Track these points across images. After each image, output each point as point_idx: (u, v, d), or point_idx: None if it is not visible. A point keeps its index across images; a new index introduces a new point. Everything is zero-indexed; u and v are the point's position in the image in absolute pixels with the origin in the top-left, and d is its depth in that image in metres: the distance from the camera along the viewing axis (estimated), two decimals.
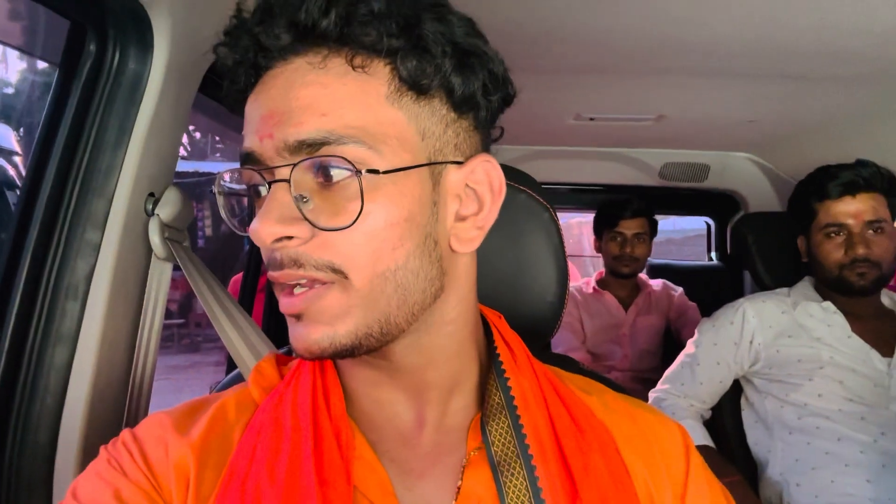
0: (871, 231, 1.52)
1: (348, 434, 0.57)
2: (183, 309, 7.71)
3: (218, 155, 9.23)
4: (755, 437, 1.64)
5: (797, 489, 1.47)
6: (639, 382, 2.42)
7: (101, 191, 0.92)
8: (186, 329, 8.05)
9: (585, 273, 2.90)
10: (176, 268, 1.02)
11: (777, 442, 1.55)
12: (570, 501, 0.56)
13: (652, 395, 1.71)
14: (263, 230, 0.50)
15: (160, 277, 0.99)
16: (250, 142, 0.53)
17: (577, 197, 3.05)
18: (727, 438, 1.72)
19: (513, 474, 0.56)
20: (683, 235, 7.51)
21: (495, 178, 0.58)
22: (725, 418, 1.74)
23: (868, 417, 1.45)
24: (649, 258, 2.69)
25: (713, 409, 1.71)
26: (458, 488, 0.58)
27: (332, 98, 0.51)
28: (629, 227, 2.48)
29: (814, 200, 1.59)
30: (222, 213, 0.59)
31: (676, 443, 0.65)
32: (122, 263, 0.93)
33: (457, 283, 0.59)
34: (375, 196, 0.51)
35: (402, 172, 0.52)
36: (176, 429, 0.58)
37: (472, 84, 0.55)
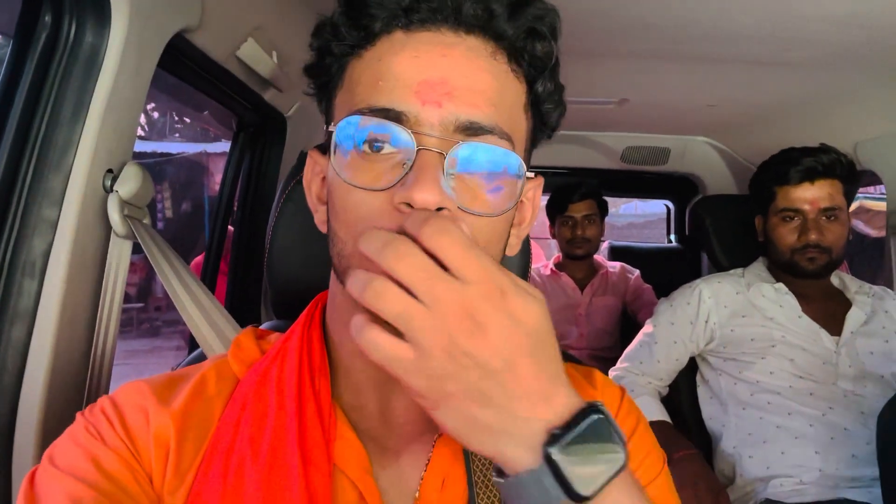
0: (824, 218, 1.58)
1: (331, 414, 0.58)
2: (142, 292, 7.56)
3: (177, 135, 9.02)
4: (710, 413, 1.70)
5: (750, 461, 1.53)
6: (595, 360, 2.47)
7: (57, 166, 0.90)
8: (146, 313, 7.90)
9: (550, 255, 2.93)
10: (135, 251, 1.00)
11: (731, 417, 1.61)
12: None
13: (612, 372, 1.75)
14: (432, 197, 0.48)
15: (120, 255, 0.98)
16: (406, 101, 0.51)
17: None
18: (683, 414, 1.78)
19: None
20: (644, 219, 7.64)
21: (538, 198, 0.65)
22: (681, 395, 1.79)
23: (817, 393, 1.51)
24: (611, 241, 2.73)
25: (670, 386, 1.76)
26: (427, 464, 0.59)
27: (500, 93, 0.54)
28: (579, 210, 2.53)
29: (773, 184, 1.63)
30: (340, 167, 0.53)
31: (614, 396, 0.69)
32: (80, 241, 0.91)
33: None
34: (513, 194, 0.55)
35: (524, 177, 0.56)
36: (156, 397, 0.58)
37: (562, 117, 0.61)
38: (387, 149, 0.51)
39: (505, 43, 0.54)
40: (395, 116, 0.51)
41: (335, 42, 0.56)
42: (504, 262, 0.89)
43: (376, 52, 0.54)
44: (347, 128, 0.53)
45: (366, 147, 0.52)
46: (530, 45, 0.55)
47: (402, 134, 0.51)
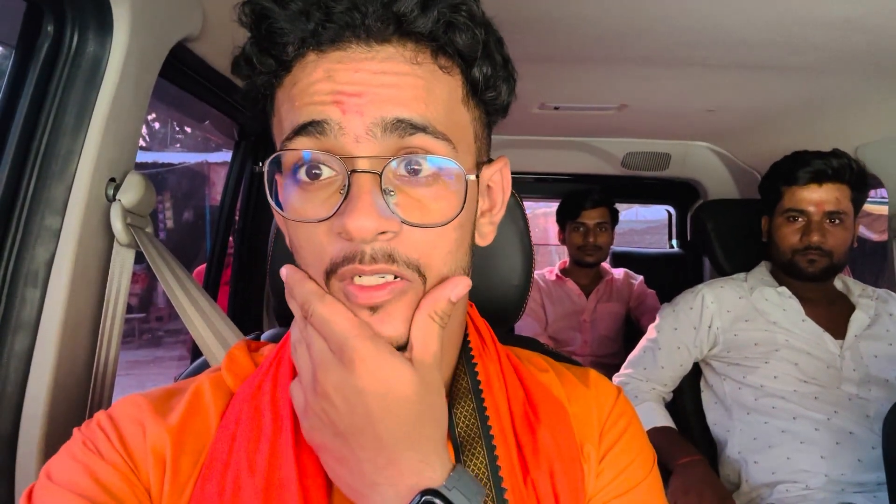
0: (829, 221, 1.57)
1: None
2: (143, 303, 7.55)
3: (178, 145, 9.04)
4: (714, 418, 1.69)
5: (755, 466, 1.52)
6: (599, 367, 2.45)
7: (60, 176, 0.90)
8: (147, 324, 7.88)
9: (551, 262, 2.92)
10: (136, 260, 1.00)
11: (735, 422, 1.60)
12: (524, 477, 0.58)
13: (616, 379, 1.74)
14: (368, 224, 0.48)
15: (122, 264, 0.98)
16: (326, 111, 0.50)
17: (541, 186, 3.08)
18: (687, 419, 1.77)
19: (474, 453, 0.58)
20: (646, 225, 7.64)
21: (507, 178, 0.63)
22: (686, 400, 1.78)
23: (821, 397, 1.51)
24: (613, 247, 2.73)
25: (674, 391, 1.75)
26: None
27: (429, 92, 0.52)
28: (591, 217, 2.53)
29: (782, 184, 1.63)
30: (284, 202, 0.53)
31: (609, 394, 0.68)
32: (83, 250, 0.91)
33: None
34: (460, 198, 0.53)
35: (474, 175, 0.56)
36: (153, 411, 0.58)
37: (512, 93, 0.59)
38: (325, 173, 0.51)
39: (424, 42, 0.52)
40: (319, 129, 0.50)
41: (254, 75, 0.54)
42: (509, 268, 0.90)
43: (292, 77, 0.53)
44: (280, 161, 0.52)
45: (302, 175, 0.51)
46: (451, 39, 0.52)
47: (331, 160, 0.50)
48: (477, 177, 0.58)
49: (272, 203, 0.54)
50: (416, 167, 0.51)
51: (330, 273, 0.51)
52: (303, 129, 0.50)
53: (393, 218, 0.50)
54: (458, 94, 0.55)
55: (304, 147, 0.51)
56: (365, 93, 0.50)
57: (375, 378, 0.48)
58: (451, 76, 0.54)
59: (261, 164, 0.54)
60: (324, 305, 0.50)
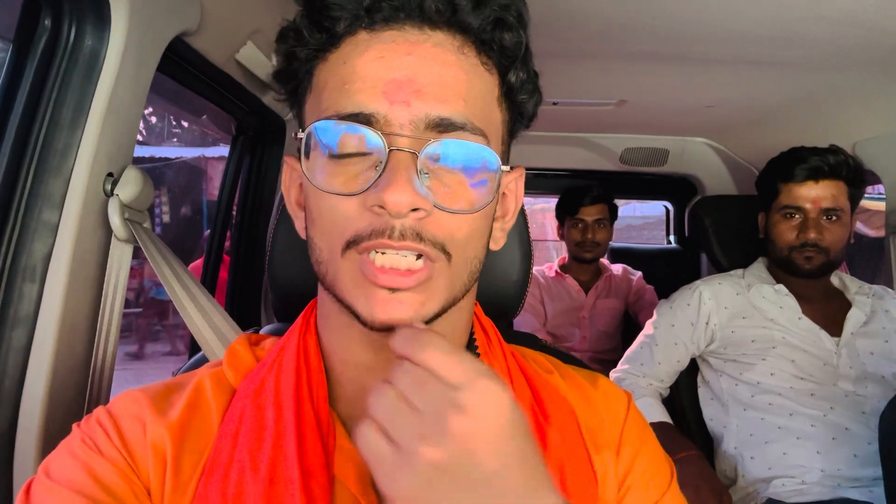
0: (825, 218, 1.58)
1: (330, 425, 0.57)
2: (140, 298, 7.54)
3: (175, 140, 9.02)
4: (711, 414, 1.69)
5: (751, 462, 1.53)
6: (597, 363, 2.47)
7: (57, 170, 0.89)
8: (144, 318, 7.88)
9: (549, 258, 2.92)
10: (133, 255, 1.00)
11: (732, 418, 1.61)
12: None
13: (613, 374, 1.74)
14: (405, 198, 0.48)
15: (121, 259, 0.97)
16: (375, 102, 0.51)
17: (540, 182, 3.08)
18: (684, 415, 1.78)
19: None
20: (643, 221, 7.64)
21: (521, 188, 0.65)
22: (682, 396, 1.79)
23: (818, 394, 1.51)
24: (611, 243, 2.73)
25: (671, 387, 1.75)
26: None
27: (471, 87, 0.53)
28: (590, 214, 2.53)
29: (778, 180, 1.63)
30: (313, 173, 0.53)
31: (620, 403, 0.67)
32: (81, 245, 0.91)
33: None
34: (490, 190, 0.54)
35: (508, 167, 0.57)
36: (153, 407, 0.57)
37: (538, 105, 0.60)
38: (359, 149, 0.51)
39: (472, 36, 0.53)
40: (364, 119, 0.51)
41: (299, 47, 0.55)
42: (508, 264, 0.90)
43: (341, 54, 0.53)
44: (318, 133, 0.52)
45: (338, 150, 0.52)
46: (498, 37, 0.54)
47: (372, 136, 0.51)
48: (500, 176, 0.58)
49: (304, 171, 0.54)
50: (450, 154, 0.52)
51: (351, 244, 0.52)
52: (350, 117, 0.51)
53: (427, 198, 0.50)
54: (494, 93, 0.56)
55: (346, 123, 0.52)
56: (415, 78, 0.51)
57: (490, 418, 0.42)
58: (490, 74, 0.55)
59: (302, 130, 0.55)
60: (431, 353, 0.44)
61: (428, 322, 0.53)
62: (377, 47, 0.52)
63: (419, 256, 0.52)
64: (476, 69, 0.54)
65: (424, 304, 0.53)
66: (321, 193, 0.52)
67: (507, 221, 0.64)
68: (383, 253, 0.51)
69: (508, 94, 0.58)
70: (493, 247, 0.62)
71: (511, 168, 0.61)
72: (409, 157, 0.50)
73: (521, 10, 0.54)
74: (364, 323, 0.52)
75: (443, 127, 0.51)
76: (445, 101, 0.51)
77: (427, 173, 0.51)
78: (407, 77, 0.51)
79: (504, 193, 0.63)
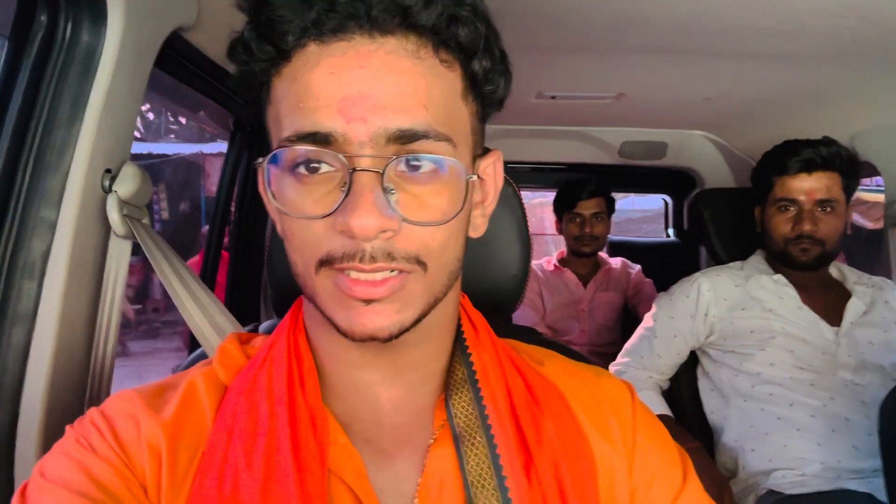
0: (820, 209, 1.58)
1: (323, 420, 0.57)
2: (140, 294, 7.54)
3: (173, 136, 9.00)
4: (711, 405, 1.70)
5: (752, 454, 1.53)
6: (596, 356, 2.47)
7: (55, 167, 0.89)
8: (144, 315, 7.88)
9: (547, 252, 2.93)
10: (132, 252, 1.00)
11: (732, 409, 1.61)
12: (526, 467, 0.58)
13: (612, 367, 1.75)
14: (371, 222, 0.48)
15: (119, 255, 0.97)
16: (331, 120, 0.49)
17: (538, 176, 3.08)
18: (684, 407, 1.78)
19: (474, 444, 0.58)
20: (641, 214, 7.64)
21: (499, 171, 0.63)
22: (682, 388, 1.79)
23: (817, 384, 1.52)
24: (609, 236, 2.73)
25: (671, 380, 1.76)
26: (424, 467, 0.59)
27: (430, 92, 0.51)
28: (587, 208, 2.53)
29: (773, 173, 1.64)
30: (281, 196, 0.52)
31: (624, 398, 0.67)
32: (79, 241, 0.91)
33: None
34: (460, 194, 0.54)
35: (474, 175, 0.56)
36: (147, 406, 0.57)
37: (508, 86, 0.59)
38: (323, 169, 0.51)
39: (427, 36, 0.51)
40: (322, 139, 0.49)
41: (251, 61, 0.53)
42: (507, 258, 0.90)
43: (293, 69, 0.51)
44: (280, 156, 0.52)
45: (301, 170, 0.51)
46: (454, 32, 0.52)
47: (334, 159, 0.50)
48: (475, 173, 0.58)
49: (268, 195, 0.54)
50: (416, 164, 0.51)
51: (324, 262, 0.51)
52: (308, 137, 0.50)
53: (394, 216, 0.50)
54: (457, 90, 0.54)
55: (305, 147, 0.50)
56: (368, 95, 0.49)
57: None
58: (450, 71, 0.53)
59: (260, 160, 0.53)
60: None
61: (411, 326, 0.53)
62: (327, 61, 0.50)
63: (393, 271, 0.51)
64: (434, 70, 0.52)
65: (400, 311, 0.52)
66: (289, 216, 0.52)
67: (487, 206, 0.63)
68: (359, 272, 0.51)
69: (473, 86, 0.56)
70: (473, 234, 0.61)
71: (485, 153, 0.60)
72: (373, 177, 0.49)
73: (474, 1, 0.52)
74: (344, 335, 0.53)
75: (405, 138, 0.50)
76: (405, 111, 0.49)
77: (393, 189, 0.50)
78: (360, 93, 0.49)
79: (482, 178, 0.61)
